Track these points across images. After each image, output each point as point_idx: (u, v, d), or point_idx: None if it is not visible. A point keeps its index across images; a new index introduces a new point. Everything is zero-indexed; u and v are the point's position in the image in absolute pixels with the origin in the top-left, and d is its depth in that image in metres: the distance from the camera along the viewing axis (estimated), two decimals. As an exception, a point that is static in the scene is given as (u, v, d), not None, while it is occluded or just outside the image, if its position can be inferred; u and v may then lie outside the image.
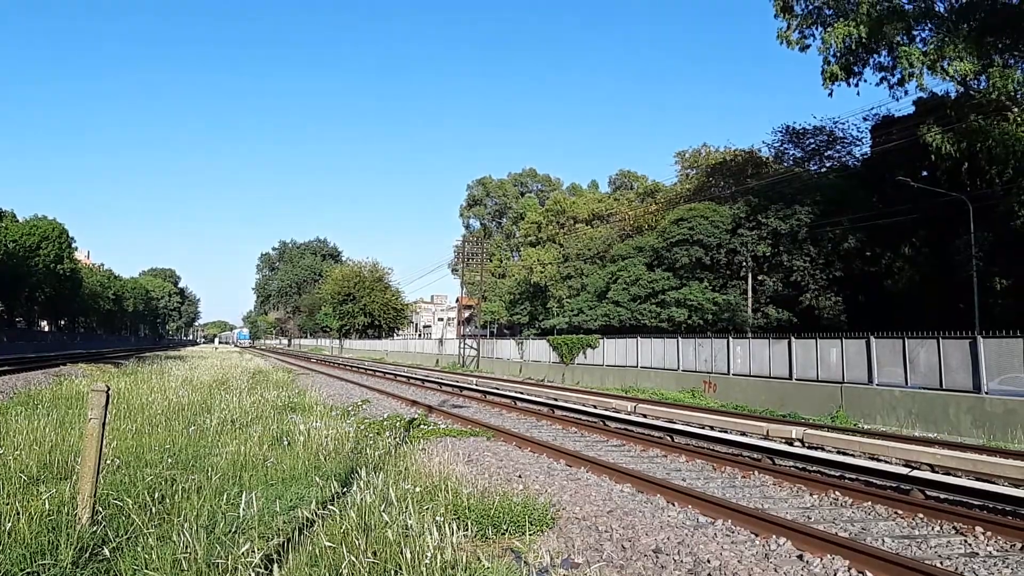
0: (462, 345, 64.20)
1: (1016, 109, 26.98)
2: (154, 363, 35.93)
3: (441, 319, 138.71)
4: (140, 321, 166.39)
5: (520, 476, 11.35)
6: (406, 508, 7.13)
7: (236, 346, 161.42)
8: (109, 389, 7.01)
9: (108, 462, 8.80)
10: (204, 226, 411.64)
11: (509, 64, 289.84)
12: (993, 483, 11.03)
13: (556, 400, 25.42)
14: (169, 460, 9.82)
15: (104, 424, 6.87)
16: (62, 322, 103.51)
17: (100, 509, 6.91)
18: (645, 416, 20.97)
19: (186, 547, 5.91)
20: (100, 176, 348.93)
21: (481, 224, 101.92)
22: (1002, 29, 27.84)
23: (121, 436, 11.50)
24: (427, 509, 7.33)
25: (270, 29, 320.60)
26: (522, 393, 28.52)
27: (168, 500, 7.72)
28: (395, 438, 13.97)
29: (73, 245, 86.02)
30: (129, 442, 11.14)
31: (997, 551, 8.12)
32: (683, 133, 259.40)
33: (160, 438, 11.73)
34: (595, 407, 23.25)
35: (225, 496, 7.94)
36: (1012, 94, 26.38)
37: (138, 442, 11.22)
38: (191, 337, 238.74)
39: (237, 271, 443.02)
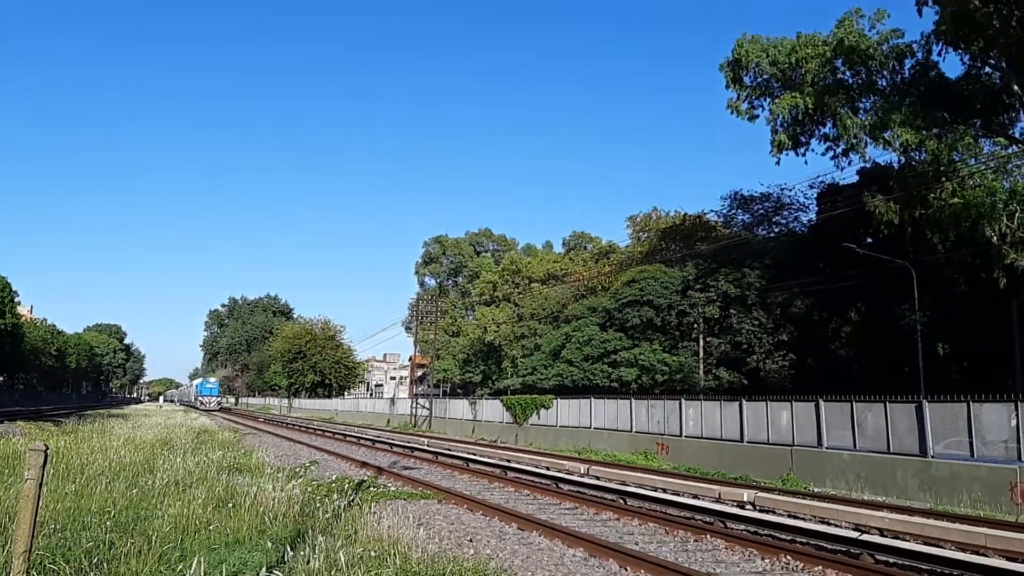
0: (414, 405, 63.48)
1: (956, 179, 28.02)
2: (96, 421, 34.90)
3: (394, 378, 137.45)
4: (83, 378, 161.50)
5: (471, 540, 11.20)
6: (354, 574, 6.98)
7: (200, 406, 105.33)
8: (48, 448, 6.80)
9: (45, 524, 8.48)
10: (152, 282, 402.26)
11: (466, 125, 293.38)
12: (940, 547, 11.18)
13: (509, 462, 25.20)
14: (109, 523, 9.49)
15: (42, 485, 6.64)
16: (1, 378, 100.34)
17: (35, 574, 6.65)
18: (598, 478, 20.91)
19: (124, 615, 5.70)
20: (44, 228, 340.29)
21: (437, 282, 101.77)
22: (941, 103, 29.11)
23: (60, 497, 11.10)
24: (376, 574, 7.17)
25: (222, 79, 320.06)
26: (474, 454, 28.26)
27: (106, 564, 7.45)
28: (344, 500, 13.69)
29: (16, 299, 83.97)
30: (68, 503, 10.75)
31: (945, 615, 8.18)
32: (635, 196, 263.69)
33: (100, 499, 11.35)
34: (548, 469, 23.13)
35: (166, 560, 7.68)
36: (951, 165, 27.43)
37: (77, 504, 10.84)
38: (135, 395, 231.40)
39: (185, 328, 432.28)
